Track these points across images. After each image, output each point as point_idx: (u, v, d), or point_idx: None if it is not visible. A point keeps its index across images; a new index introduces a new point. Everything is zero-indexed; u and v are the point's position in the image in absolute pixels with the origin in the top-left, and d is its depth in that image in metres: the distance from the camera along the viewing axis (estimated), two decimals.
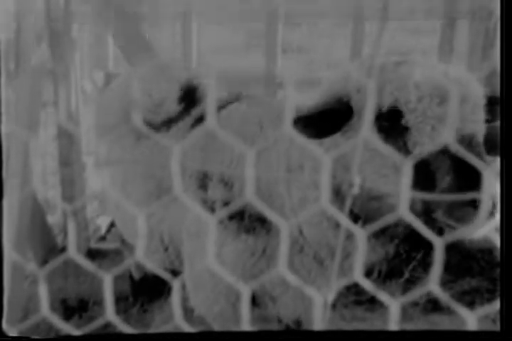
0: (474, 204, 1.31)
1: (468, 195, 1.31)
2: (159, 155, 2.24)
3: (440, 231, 1.40)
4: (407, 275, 3.14)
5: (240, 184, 1.93)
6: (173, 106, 2.37)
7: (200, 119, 2.25)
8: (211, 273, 1.96)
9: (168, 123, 2.33)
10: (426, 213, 1.41)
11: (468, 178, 1.34)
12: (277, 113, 1.97)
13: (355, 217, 1.63)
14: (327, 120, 1.55)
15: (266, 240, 1.88)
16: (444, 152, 1.36)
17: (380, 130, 1.48)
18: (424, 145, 1.42)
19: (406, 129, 1.45)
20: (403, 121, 1.45)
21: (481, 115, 1.51)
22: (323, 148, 1.63)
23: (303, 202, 1.77)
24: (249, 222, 1.87)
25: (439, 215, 1.38)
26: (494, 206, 1.31)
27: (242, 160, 1.96)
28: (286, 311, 2.03)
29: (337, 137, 1.59)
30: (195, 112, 2.30)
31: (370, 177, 1.52)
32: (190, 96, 2.39)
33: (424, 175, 1.38)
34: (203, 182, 2.02)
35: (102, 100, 2.87)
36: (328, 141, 1.61)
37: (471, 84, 1.51)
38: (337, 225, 1.72)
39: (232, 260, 1.92)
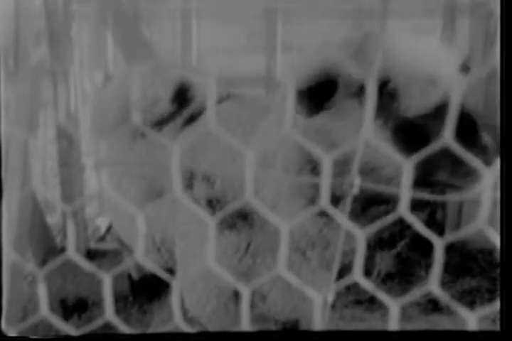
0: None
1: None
2: (152, 155, 2.23)
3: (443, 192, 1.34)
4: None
5: (222, 181, 1.90)
6: (166, 106, 2.36)
7: (190, 119, 2.25)
8: (201, 272, 1.94)
9: (161, 123, 2.33)
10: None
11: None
12: (273, 112, 1.96)
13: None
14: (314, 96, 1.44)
15: (249, 235, 1.85)
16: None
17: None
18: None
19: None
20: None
21: None
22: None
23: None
24: (230, 218, 1.85)
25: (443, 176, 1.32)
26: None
27: (227, 157, 1.93)
28: (278, 309, 2.01)
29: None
30: (186, 112, 2.29)
31: None
32: (182, 96, 2.37)
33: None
34: (189, 181, 2.00)
35: (99, 100, 2.86)
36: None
37: None
38: (317, 214, 1.67)
39: (217, 258, 1.90)
